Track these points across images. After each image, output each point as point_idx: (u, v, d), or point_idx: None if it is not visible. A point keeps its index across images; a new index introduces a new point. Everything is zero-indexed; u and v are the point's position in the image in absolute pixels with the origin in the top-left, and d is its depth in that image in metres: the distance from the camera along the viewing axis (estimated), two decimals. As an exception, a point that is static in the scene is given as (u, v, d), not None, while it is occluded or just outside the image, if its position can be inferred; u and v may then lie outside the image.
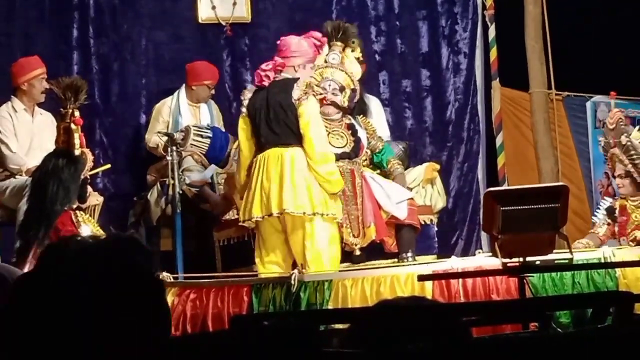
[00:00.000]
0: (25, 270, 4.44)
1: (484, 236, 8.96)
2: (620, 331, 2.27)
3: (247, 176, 6.93)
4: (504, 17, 9.50)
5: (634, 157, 7.31)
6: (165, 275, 6.57)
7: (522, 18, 9.50)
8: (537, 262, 5.84)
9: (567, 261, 6.00)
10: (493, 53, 9.50)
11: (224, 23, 9.00)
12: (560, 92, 9.64)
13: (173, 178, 7.29)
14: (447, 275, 6.35)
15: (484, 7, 9.55)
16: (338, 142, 7.24)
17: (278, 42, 7.15)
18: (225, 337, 2.10)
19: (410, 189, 7.84)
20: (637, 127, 7.77)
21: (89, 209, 7.35)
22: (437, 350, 2.03)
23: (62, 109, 7.26)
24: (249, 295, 6.51)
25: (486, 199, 6.18)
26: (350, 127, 7.38)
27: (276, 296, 6.42)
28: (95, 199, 7.48)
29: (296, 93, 6.79)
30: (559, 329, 5.39)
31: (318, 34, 7.20)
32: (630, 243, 7.23)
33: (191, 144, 7.70)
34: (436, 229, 8.17)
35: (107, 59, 8.84)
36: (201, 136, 7.79)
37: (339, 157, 7.08)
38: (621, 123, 7.46)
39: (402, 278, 6.39)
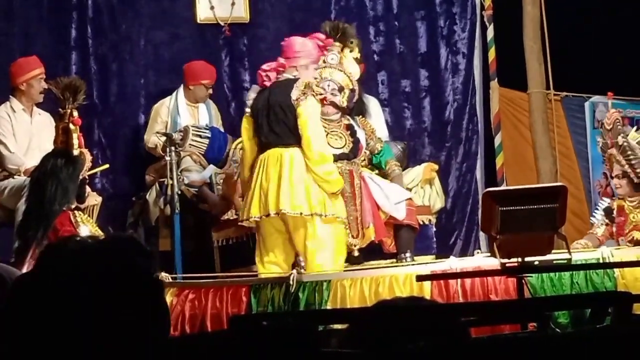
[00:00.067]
0: (24, 270, 4.44)
1: (482, 236, 8.96)
2: (619, 331, 2.27)
3: (250, 176, 6.95)
4: (502, 18, 9.51)
5: (631, 157, 7.31)
6: (164, 276, 6.57)
7: (521, 18, 9.51)
8: (536, 263, 5.84)
9: (565, 261, 6.01)
10: (491, 53, 9.51)
11: (222, 23, 9.00)
12: (558, 93, 9.64)
13: (172, 178, 7.29)
14: (446, 276, 6.35)
15: (482, 8, 9.55)
16: (337, 143, 7.24)
17: (282, 42, 7.16)
18: (223, 337, 2.10)
19: (409, 189, 7.85)
20: (634, 128, 7.78)
21: (87, 209, 7.35)
22: (436, 350, 2.03)
23: (60, 109, 7.25)
24: (247, 296, 6.51)
25: (485, 199, 6.19)
26: (349, 127, 7.38)
27: (275, 296, 6.42)
28: (94, 199, 7.47)
29: (295, 93, 6.80)
30: (557, 329, 5.40)
31: (322, 35, 7.22)
32: (628, 243, 7.23)
33: (190, 144, 7.70)
34: (435, 229, 8.18)
35: (105, 59, 8.84)
36: (200, 136, 7.79)
37: (338, 158, 7.08)
38: (618, 123, 7.46)
39: (401, 278, 6.39)
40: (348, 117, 7.46)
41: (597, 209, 7.72)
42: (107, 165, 8.06)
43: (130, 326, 1.82)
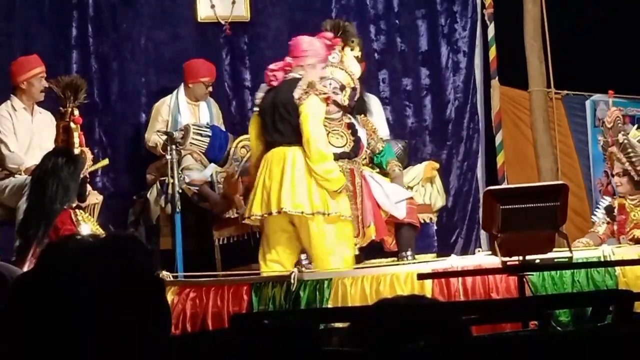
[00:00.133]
0: (25, 269, 4.44)
1: (483, 235, 8.96)
2: (620, 330, 2.27)
3: (255, 174, 6.99)
4: (503, 16, 9.50)
5: (631, 155, 7.31)
6: (165, 274, 6.57)
7: (522, 17, 9.50)
8: (537, 261, 5.84)
9: (566, 260, 6.00)
10: (492, 52, 9.50)
11: (223, 22, 9.00)
12: (559, 91, 9.64)
13: (173, 177, 7.29)
14: (447, 274, 6.35)
15: (483, 6, 9.55)
16: (338, 142, 7.24)
17: (290, 41, 7.18)
18: (225, 335, 2.10)
19: (410, 188, 7.85)
20: (635, 126, 7.78)
21: (88, 208, 7.35)
22: (437, 349, 2.03)
23: (61, 108, 7.26)
24: (248, 294, 6.52)
25: (486, 197, 6.19)
26: (350, 126, 7.38)
27: (276, 295, 6.43)
28: (94, 197, 7.48)
29: (297, 92, 6.82)
30: (558, 328, 5.40)
31: (330, 34, 7.23)
32: (629, 242, 7.23)
33: (190, 143, 7.70)
34: (436, 227, 8.18)
35: (106, 58, 8.84)
36: (200, 135, 7.80)
37: (339, 157, 7.08)
38: (619, 121, 7.46)
39: (402, 277, 6.39)
40: (349, 115, 7.46)
41: (598, 207, 7.72)
42: (106, 160, 8.03)
43: (131, 325, 1.82)
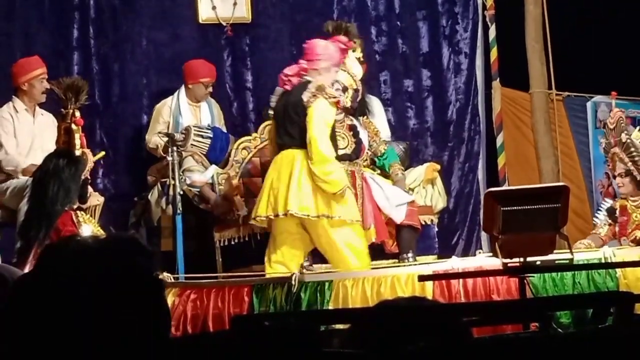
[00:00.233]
0: (26, 270, 4.44)
1: (484, 236, 8.95)
2: (621, 331, 2.27)
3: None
4: (504, 17, 9.50)
5: (634, 154, 7.31)
6: (166, 276, 6.58)
7: (523, 18, 9.51)
8: (538, 263, 5.84)
9: (567, 261, 6.00)
10: (493, 53, 9.50)
11: (224, 23, 8.99)
12: (560, 92, 9.64)
13: (174, 178, 7.29)
14: (448, 276, 6.35)
15: (484, 7, 9.55)
16: (339, 144, 7.24)
17: (304, 44, 7.20)
18: (225, 337, 2.10)
19: (411, 189, 7.85)
20: (637, 127, 7.77)
21: (89, 210, 7.35)
22: (438, 350, 2.03)
23: (62, 110, 7.25)
24: (249, 296, 6.52)
25: (487, 199, 6.18)
26: (352, 128, 7.39)
27: (277, 296, 6.43)
28: (96, 199, 7.48)
29: (306, 95, 6.86)
30: (559, 329, 5.40)
31: (344, 38, 7.25)
32: (631, 243, 7.23)
33: (192, 144, 7.71)
34: (437, 229, 8.17)
35: (107, 59, 8.83)
36: (202, 136, 7.80)
37: (340, 159, 7.09)
38: (622, 122, 7.46)
39: (403, 278, 6.39)
40: (351, 117, 7.46)
41: (600, 209, 7.72)
42: (102, 153, 8.00)
43: (131, 326, 1.82)
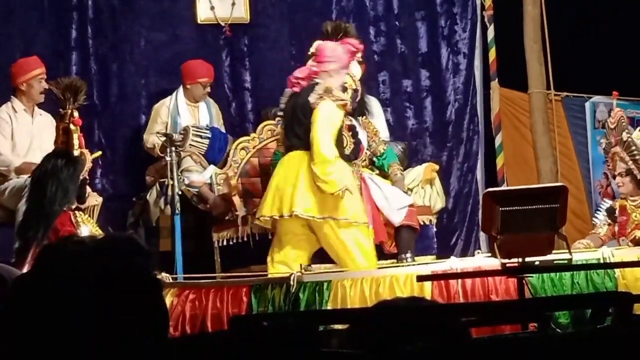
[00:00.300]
0: (24, 270, 4.44)
1: (483, 237, 8.95)
2: (620, 332, 2.27)
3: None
4: (503, 18, 9.50)
5: (635, 153, 7.31)
6: (164, 276, 6.58)
7: (521, 18, 9.51)
8: (536, 263, 5.85)
9: (566, 261, 6.01)
10: (492, 53, 9.50)
11: (223, 23, 8.99)
12: (559, 93, 9.64)
13: (172, 179, 7.29)
14: (446, 276, 6.35)
15: (482, 8, 9.55)
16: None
17: (313, 46, 7.20)
18: (224, 337, 2.09)
19: (410, 190, 7.85)
20: (638, 128, 7.77)
21: (88, 210, 7.35)
22: (436, 350, 2.03)
23: (61, 110, 7.25)
24: (248, 296, 6.52)
25: (485, 199, 6.19)
26: (351, 128, 7.38)
27: (275, 297, 6.43)
28: (94, 199, 7.48)
29: (313, 97, 6.87)
30: (558, 330, 5.40)
31: (354, 40, 7.24)
32: (630, 243, 7.23)
33: (190, 145, 7.71)
34: (435, 229, 8.18)
35: (106, 60, 8.83)
36: (200, 137, 7.80)
37: (339, 159, 7.09)
38: (622, 121, 7.47)
39: (401, 278, 6.39)
40: (350, 117, 7.46)
41: (599, 209, 7.72)
42: (99, 152, 8.00)
43: (129, 326, 1.82)
